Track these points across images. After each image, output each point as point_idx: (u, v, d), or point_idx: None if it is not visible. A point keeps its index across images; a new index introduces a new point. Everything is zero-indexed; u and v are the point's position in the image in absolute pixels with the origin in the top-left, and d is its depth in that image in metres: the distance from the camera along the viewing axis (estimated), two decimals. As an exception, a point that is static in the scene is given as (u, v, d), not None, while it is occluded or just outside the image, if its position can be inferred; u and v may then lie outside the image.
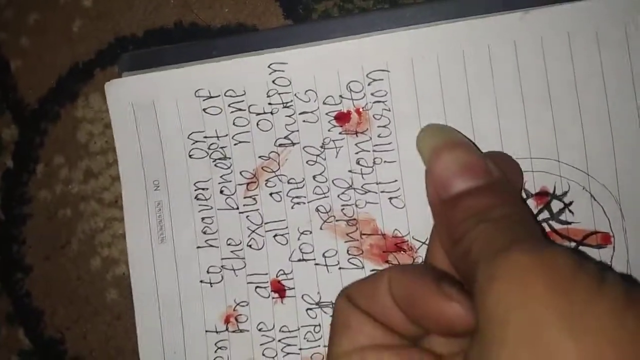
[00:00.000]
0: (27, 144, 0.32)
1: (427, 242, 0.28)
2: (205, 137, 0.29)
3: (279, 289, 0.29)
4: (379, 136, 0.28)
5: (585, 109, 0.27)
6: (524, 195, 0.27)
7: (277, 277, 0.29)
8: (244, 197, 0.29)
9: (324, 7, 0.30)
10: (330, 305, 0.29)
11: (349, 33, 0.28)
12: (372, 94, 0.28)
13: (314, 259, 0.29)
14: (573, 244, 0.27)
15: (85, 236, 0.31)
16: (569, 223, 0.27)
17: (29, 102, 0.32)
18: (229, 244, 0.29)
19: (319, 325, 0.29)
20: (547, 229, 0.27)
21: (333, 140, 0.28)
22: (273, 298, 0.29)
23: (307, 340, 0.29)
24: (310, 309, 0.29)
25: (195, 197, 0.30)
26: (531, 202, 0.27)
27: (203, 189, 0.29)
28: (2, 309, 0.32)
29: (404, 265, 0.28)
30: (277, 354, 0.29)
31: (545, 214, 0.27)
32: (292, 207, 0.29)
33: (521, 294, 0.14)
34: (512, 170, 0.23)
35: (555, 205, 0.27)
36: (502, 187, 0.21)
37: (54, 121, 0.32)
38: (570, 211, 0.27)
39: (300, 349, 0.29)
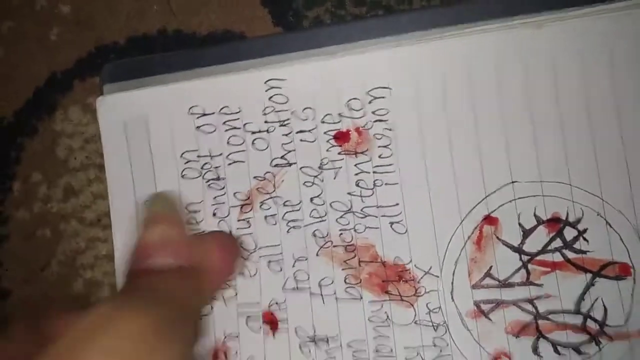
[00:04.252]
0: (3, 160, 0.31)
1: (430, 271, 0.26)
2: (199, 156, 0.28)
3: (271, 321, 0.27)
4: (379, 157, 0.27)
5: (597, 130, 0.25)
6: (534, 222, 0.25)
7: (269, 307, 0.27)
8: (238, 220, 0.28)
9: (316, 13, 0.29)
10: (326, 340, 0.26)
11: (343, 41, 0.27)
12: (373, 113, 0.27)
13: (309, 288, 0.27)
14: (589, 276, 0.25)
15: (66, 257, 0.29)
16: (584, 252, 0.25)
17: (4, 115, 0.31)
18: (219, 271, 0.27)
19: (313, 360, 0.26)
20: (561, 259, 0.25)
21: (331, 161, 0.27)
22: (264, 331, 0.27)
23: (300, 377, 0.26)
24: (304, 344, 0.26)
25: (186, 221, 0.28)
26: (542, 229, 0.25)
27: (195, 211, 0.28)
28: (-22, 336, 0.30)
29: None
30: (267, 392, 0.27)
31: (557, 242, 0.25)
32: (287, 232, 0.27)
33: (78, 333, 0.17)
34: (223, 258, 0.23)
35: (569, 233, 0.25)
36: (188, 273, 0.21)
37: (31, 135, 0.30)
38: (584, 239, 0.25)
39: (293, 386, 0.26)
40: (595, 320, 0.25)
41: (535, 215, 0.25)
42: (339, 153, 0.27)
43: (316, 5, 0.29)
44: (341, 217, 0.27)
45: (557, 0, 0.25)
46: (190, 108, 0.28)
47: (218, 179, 0.28)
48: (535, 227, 0.25)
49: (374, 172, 0.27)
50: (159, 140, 0.28)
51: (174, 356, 0.17)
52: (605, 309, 0.25)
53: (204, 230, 0.28)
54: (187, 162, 0.28)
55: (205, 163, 0.28)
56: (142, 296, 0.19)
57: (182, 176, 0.28)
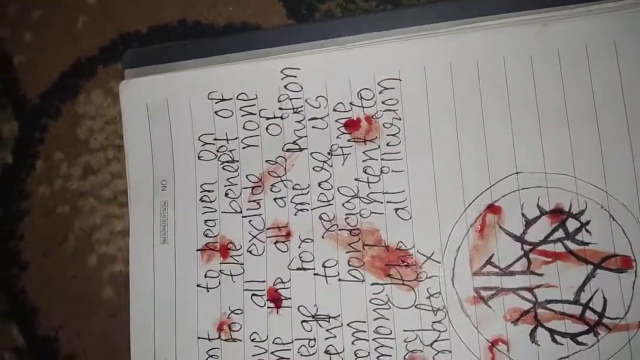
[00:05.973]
0: (27, 140, 0.32)
1: (432, 257, 0.26)
2: (215, 139, 0.29)
3: (275, 298, 0.28)
4: (387, 145, 0.27)
5: (602, 123, 0.25)
6: (537, 212, 0.26)
7: (274, 285, 0.28)
8: (248, 201, 0.29)
9: (327, 7, 0.30)
10: (327, 319, 0.27)
11: (353, 33, 0.28)
12: (382, 102, 0.28)
13: (313, 269, 0.28)
14: (590, 267, 0.25)
15: (82, 233, 0.31)
16: (586, 244, 0.25)
17: (30, 98, 0.32)
18: (229, 249, 0.29)
19: (314, 339, 0.27)
20: (562, 250, 0.25)
21: (341, 147, 0.28)
22: (268, 307, 0.28)
23: (301, 355, 0.27)
24: (306, 321, 0.27)
25: (200, 199, 0.29)
26: (545, 220, 0.26)
27: (209, 191, 0.29)
28: (-2, 305, 0.31)
29: None
30: (268, 367, 0.27)
31: (560, 233, 0.25)
32: (295, 214, 0.28)
33: None
34: None
35: (571, 224, 0.25)
36: None
37: (54, 117, 0.32)
38: (587, 231, 0.25)
39: (293, 363, 0.27)
40: (594, 311, 0.25)
41: (538, 205, 0.26)
42: (349, 140, 0.28)
43: (328, -1, 0.30)
44: (348, 201, 0.28)
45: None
46: (210, 93, 0.29)
47: (232, 161, 0.29)
48: (538, 218, 0.26)
49: (381, 159, 0.28)
50: (178, 122, 0.30)
51: None
52: (605, 301, 0.25)
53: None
54: (204, 145, 0.29)
55: (222, 146, 0.29)
56: None
57: (199, 157, 0.29)
